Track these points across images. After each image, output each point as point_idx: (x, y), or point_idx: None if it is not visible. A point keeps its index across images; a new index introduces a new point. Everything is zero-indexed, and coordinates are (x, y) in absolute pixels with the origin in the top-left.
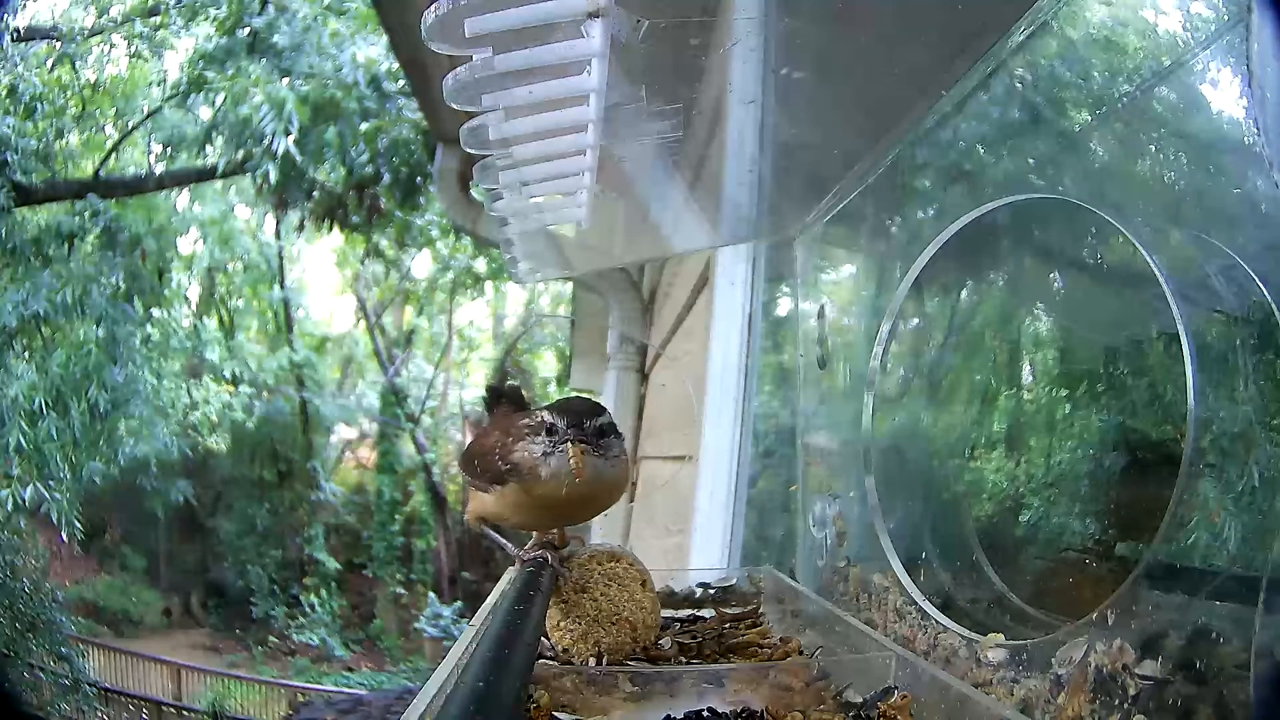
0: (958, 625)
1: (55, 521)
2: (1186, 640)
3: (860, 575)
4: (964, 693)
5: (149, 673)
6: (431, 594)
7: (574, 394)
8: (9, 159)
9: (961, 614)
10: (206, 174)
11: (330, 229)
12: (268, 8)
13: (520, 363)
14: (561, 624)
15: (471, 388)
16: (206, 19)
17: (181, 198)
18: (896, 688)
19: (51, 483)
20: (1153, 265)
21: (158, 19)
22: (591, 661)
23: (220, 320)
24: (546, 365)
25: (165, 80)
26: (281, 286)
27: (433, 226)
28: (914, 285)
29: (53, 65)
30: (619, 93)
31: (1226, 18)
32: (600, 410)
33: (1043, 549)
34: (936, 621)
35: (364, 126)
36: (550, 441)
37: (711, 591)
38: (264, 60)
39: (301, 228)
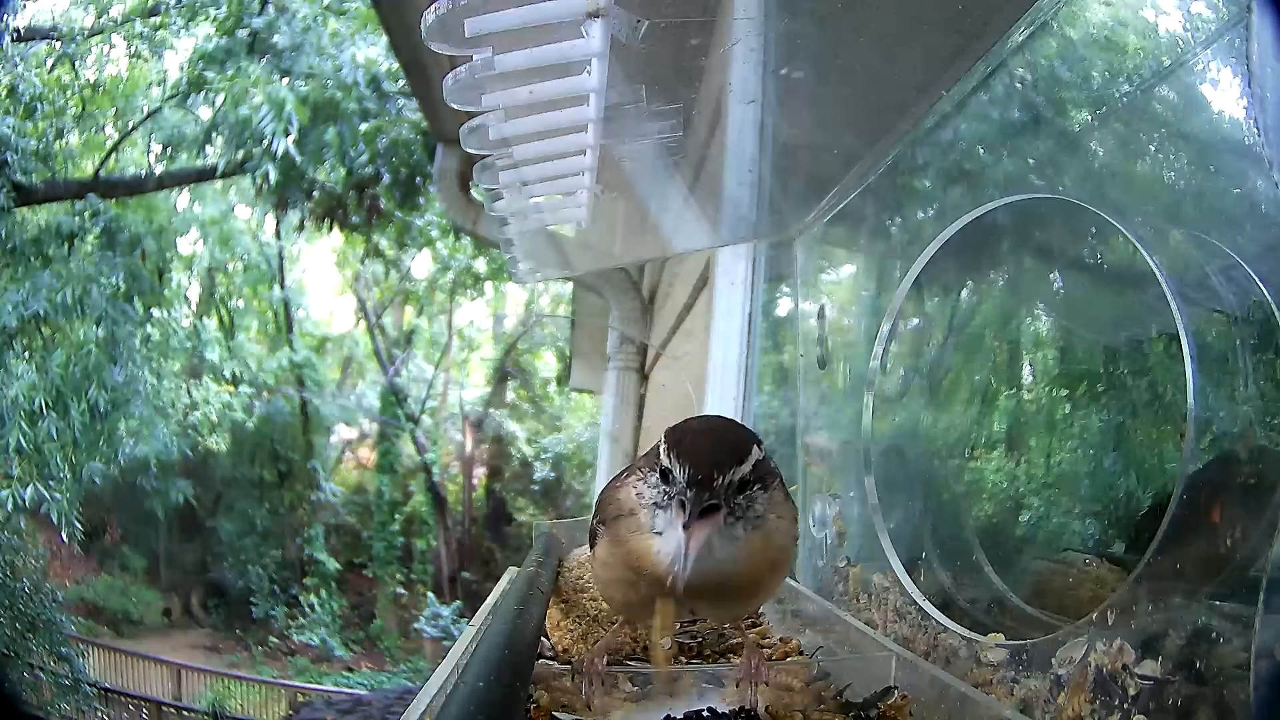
0: (958, 625)
1: (55, 521)
2: (1186, 640)
3: (860, 575)
4: (964, 693)
5: (149, 673)
6: (431, 594)
7: (708, 415)
8: (9, 159)
9: (961, 614)
10: (206, 174)
11: (330, 229)
12: (268, 8)
13: (520, 363)
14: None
15: (471, 388)
16: (206, 19)
17: (181, 198)
18: (896, 688)
19: (51, 483)
20: (1153, 265)
21: (158, 19)
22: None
23: (220, 320)
24: (546, 365)
25: (165, 80)
26: (281, 286)
27: (433, 226)
28: (914, 285)
29: (53, 65)
30: (619, 93)
31: (1226, 18)
32: (742, 448)
33: (1043, 549)
34: (936, 621)
35: (364, 127)
36: (664, 493)
37: None
38: (264, 60)
39: (301, 228)
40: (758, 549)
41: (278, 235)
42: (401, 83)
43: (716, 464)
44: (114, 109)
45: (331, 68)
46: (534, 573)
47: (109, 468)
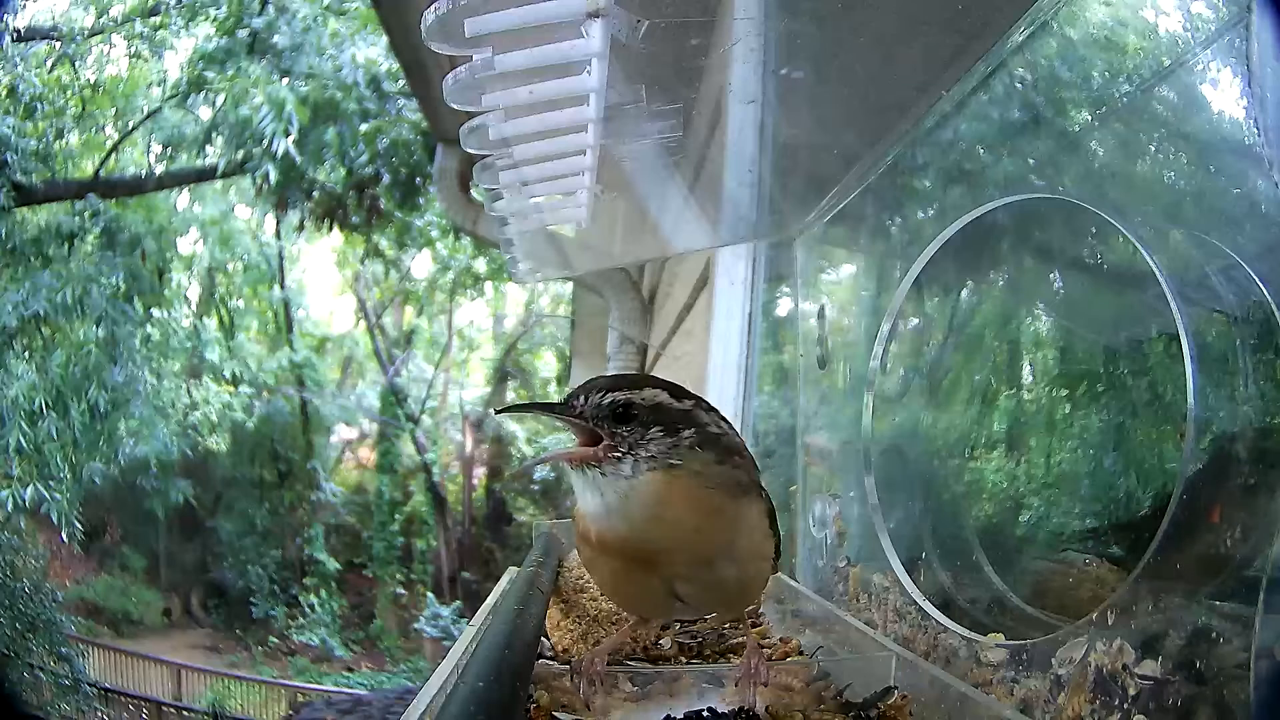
0: (958, 625)
1: (55, 521)
2: (1186, 640)
3: (860, 575)
4: (964, 693)
5: (149, 673)
6: (431, 594)
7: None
8: (9, 159)
9: (961, 614)
10: (206, 174)
11: (330, 229)
12: (268, 8)
13: (520, 363)
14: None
15: (471, 388)
16: (206, 19)
17: (181, 198)
18: (896, 688)
19: (51, 483)
20: (1153, 265)
21: (158, 19)
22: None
23: (220, 320)
24: (546, 365)
25: (165, 80)
26: (281, 287)
27: (433, 227)
28: (914, 285)
29: (53, 65)
30: (619, 93)
31: (1226, 18)
32: (625, 383)
33: (1043, 549)
34: (936, 621)
35: (364, 127)
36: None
37: None
38: (264, 60)
39: (301, 228)
40: (677, 492)
41: (278, 235)
42: (401, 83)
43: (585, 389)
44: (114, 109)
45: (331, 68)
46: (534, 573)
47: (109, 468)
